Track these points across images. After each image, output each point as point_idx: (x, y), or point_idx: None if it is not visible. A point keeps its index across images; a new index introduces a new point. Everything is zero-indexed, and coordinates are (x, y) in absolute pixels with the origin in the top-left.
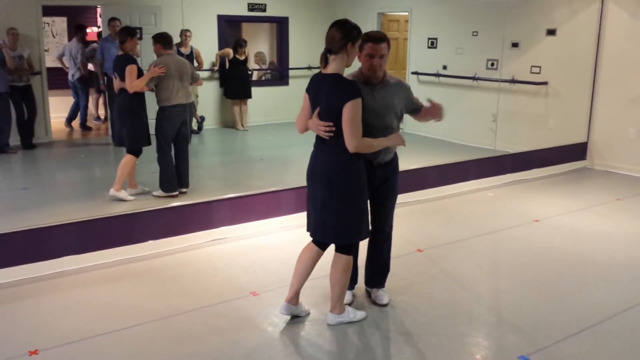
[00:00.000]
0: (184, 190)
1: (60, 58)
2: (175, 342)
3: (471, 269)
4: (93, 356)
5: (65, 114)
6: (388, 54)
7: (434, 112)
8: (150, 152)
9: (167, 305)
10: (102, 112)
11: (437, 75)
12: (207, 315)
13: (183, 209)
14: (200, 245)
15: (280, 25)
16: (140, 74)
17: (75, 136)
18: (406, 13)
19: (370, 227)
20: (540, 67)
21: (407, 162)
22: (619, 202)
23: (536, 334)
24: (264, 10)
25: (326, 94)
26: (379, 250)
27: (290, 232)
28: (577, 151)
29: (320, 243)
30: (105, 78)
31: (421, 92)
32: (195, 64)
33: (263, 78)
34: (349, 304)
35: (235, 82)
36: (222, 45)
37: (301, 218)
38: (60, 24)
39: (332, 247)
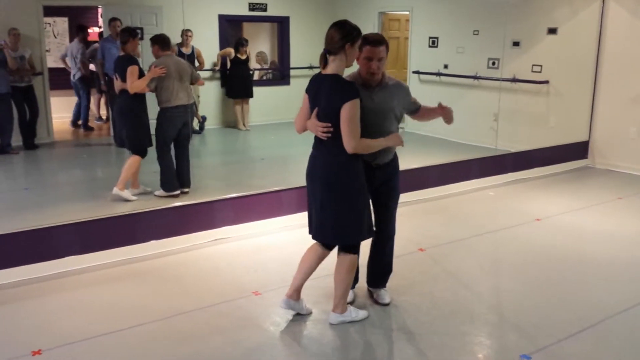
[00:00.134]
0: (186, 190)
1: (63, 59)
2: (178, 342)
3: (473, 268)
4: (96, 356)
5: (67, 114)
6: (386, 56)
7: (446, 116)
8: (151, 152)
9: (169, 305)
10: (103, 112)
11: (438, 74)
12: (209, 315)
13: (185, 209)
14: (202, 245)
15: (281, 25)
16: (141, 75)
17: (77, 136)
18: (407, 12)
19: (373, 228)
20: (541, 66)
21: (408, 161)
22: (620, 200)
23: (538, 333)
24: (265, 10)
25: (325, 95)
26: (382, 250)
27: (292, 231)
28: (578, 150)
29: (325, 243)
30: (106, 78)
31: (422, 92)
32: (197, 63)
33: (264, 78)
34: (351, 303)
35: (236, 82)
36: (223, 45)
37: (303, 218)
38: (61, 24)
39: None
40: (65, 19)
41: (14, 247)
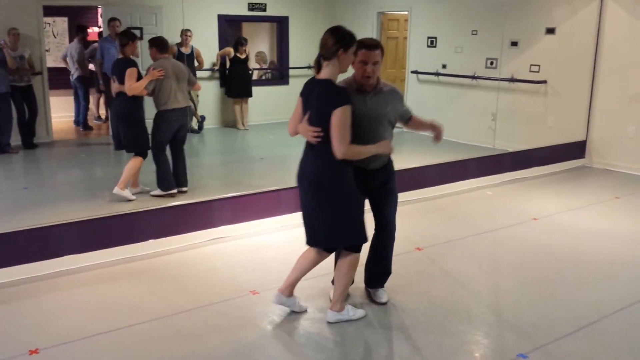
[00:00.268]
0: (184, 189)
1: (64, 59)
2: (175, 341)
3: (470, 267)
4: (93, 355)
5: (66, 114)
6: (382, 61)
7: (436, 134)
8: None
9: (167, 305)
10: (102, 112)
11: (437, 74)
12: (207, 314)
13: (183, 208)
14: (200, 245)
15: (281, 25)
16: (139, 78)
17: (76, 136)
18: (406, 12)
19: (374, 229)
20: (539, 65)
21: (406, 160)
22: (617, 200)
23: (535, 332)
24: (264, 10)
25: (316, 100)
26: (381, 252)
27: (290, 231)
28: (576, 149)
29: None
30: (105, 78)
31: (421, 91)
32: (196, 63)
33: (263, 77)
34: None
35: (236, 81)
36: (222, 45)
37: (301, 217)
38: (61, 24)
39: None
40: (65, 19)
41: (12, 246)
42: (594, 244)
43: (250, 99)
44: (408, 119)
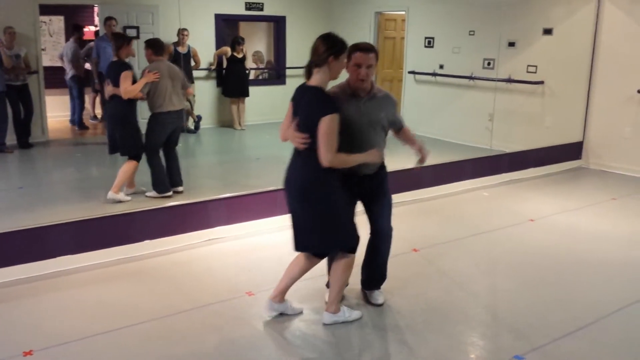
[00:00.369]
0: (180, 189)
1: (61, 58)
2: (172, 342)
3: (467, 268)
4: (89, 356)
5: (62, 113)
6: (376, 65)
7: (421, 155)
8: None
9: (163, 305)
10: (98, 112)
11: (434, 74)
12: (203, 315)
13: (179, 209)
14: (197, 245)
15: (278, 25)
16: (134, 80)
17: (72, 135)
18: (403, 12)
19: (369, 233)
20: (536, 66)
21: (403, 161)
22: (614, 201)
23: (532, 333)
24: (262, 10)
25: (305, 106)
26: (375, 256)
27: (286, 231)
28: (572, 150)
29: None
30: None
31: (418, 92)
32: (193, 63)
33: (260, 77)
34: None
35: (233, 80)
36: (219, 44)
37: None
38: (57, 22)
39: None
40: (61, 18)
41: (7, 247)
42: (591, 245)
43: (247, 99)
44: (399, 129)
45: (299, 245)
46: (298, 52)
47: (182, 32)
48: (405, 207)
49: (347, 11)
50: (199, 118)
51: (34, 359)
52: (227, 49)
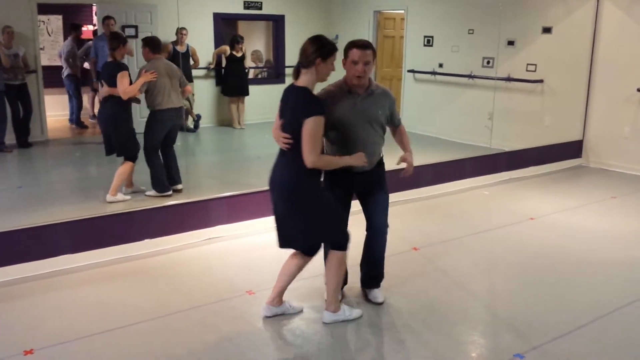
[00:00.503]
0: (179, 187)
1: (60, 57)
2: (171, 341)
3: (467, 267)
4: (88, 355)
5: (61, 112)
6: (373, 62)
7: (407, 168)
8: (141, 153)
9: (162, 304)
10: (97, 111)
11: (433, 73)
12: (202, 314)
13: (179, 208)
14: (196, 244)
15: (276, 23)
16: (131, 80)
17: (71, 134)
18: (402, 11)
19: (365, 230)
20: (535, 65)
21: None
22: (614, 200)
23: (531, 332)
24: (260, 8)
25: (290, 107)
26: (372, 254)
27: None
28: (572, 149)
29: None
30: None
31: (417, 90)
32: (192, 62)
33: (259, 76)
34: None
35: (232, 79)
36: (218, 43)
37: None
38: (55, 22)
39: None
40: (60, 17)
41: (6, 246)
42: (591, 244)
43: (246, 98)
44: (396, 126)
45: (284, 242)
46: (297, 51)
47: (180, 31)
48: (405, 205)
49: (346, 10)
50: (199, 117)
51: (34, 358)
52: (226, 48)
